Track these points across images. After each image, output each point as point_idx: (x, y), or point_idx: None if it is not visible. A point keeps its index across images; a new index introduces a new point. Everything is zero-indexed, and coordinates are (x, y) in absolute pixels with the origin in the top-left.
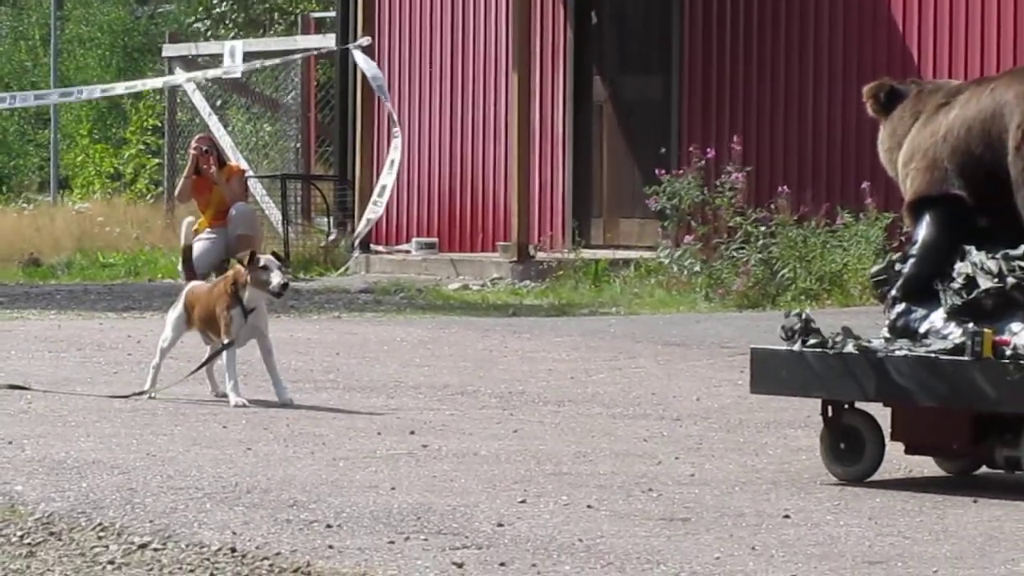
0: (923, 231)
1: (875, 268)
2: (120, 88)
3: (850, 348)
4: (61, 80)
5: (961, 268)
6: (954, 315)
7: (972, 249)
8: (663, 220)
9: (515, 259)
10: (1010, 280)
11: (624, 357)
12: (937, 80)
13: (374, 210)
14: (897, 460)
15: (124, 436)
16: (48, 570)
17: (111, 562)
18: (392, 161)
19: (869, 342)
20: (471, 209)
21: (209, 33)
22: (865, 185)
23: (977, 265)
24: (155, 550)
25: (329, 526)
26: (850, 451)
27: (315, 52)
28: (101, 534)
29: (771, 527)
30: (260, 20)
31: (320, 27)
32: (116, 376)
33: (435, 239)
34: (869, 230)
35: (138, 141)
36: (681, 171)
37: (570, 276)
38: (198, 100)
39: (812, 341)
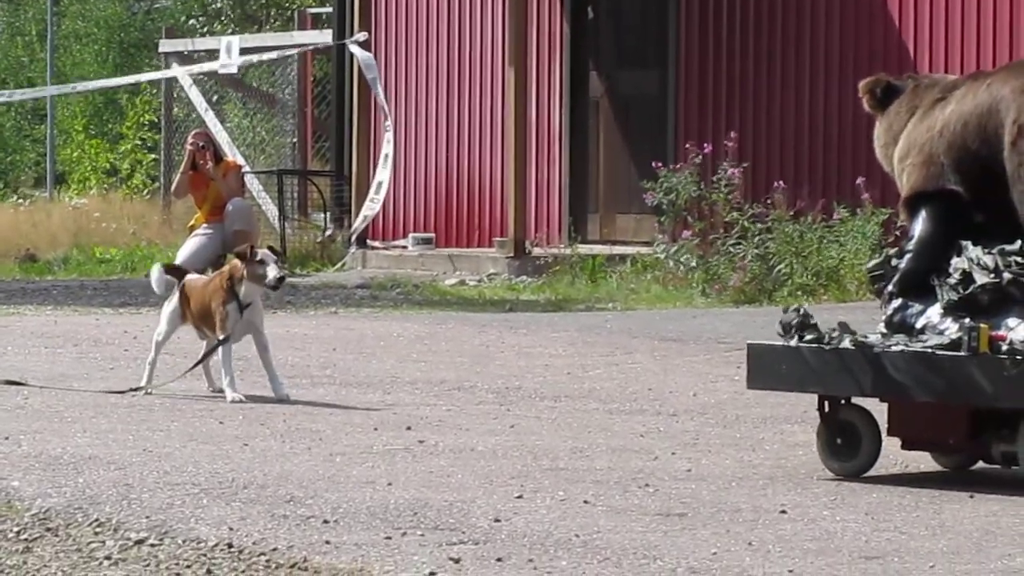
0: (919, 226)
1: (872, 263)
2: (115, 79)
3: (847, 343)
4: (57, 76)
5: (957, 263)
6: (950, 310)
7: (968, 244)
8: (660, 215)
9: (511, 255)
10: (1006, 275)
11: (621, 353)
12: (933, 75)
13: (371, 207)
14: (894, 455)
15: (120, 432)
16: (44, 566)
17: (108, 558)
18: (386, 156)
19: (866, 337)
20: (468, 205)
21: (205, 29)
22: (861, 181)
23: (973, 260)
24: (152, 546)
25: (326, 521)
26: (847, 446)
27: (311, 47)
28: (98, 530)
29: (768, 522)
30: (256, 16)
31: (317, 23)
32: (112, 372)
33: (432, 235)
34: (865, 225)
35: (134, 137)
36: (678, 166)
37: (566, 272)
38: (194, 96)
39: (809, 336)
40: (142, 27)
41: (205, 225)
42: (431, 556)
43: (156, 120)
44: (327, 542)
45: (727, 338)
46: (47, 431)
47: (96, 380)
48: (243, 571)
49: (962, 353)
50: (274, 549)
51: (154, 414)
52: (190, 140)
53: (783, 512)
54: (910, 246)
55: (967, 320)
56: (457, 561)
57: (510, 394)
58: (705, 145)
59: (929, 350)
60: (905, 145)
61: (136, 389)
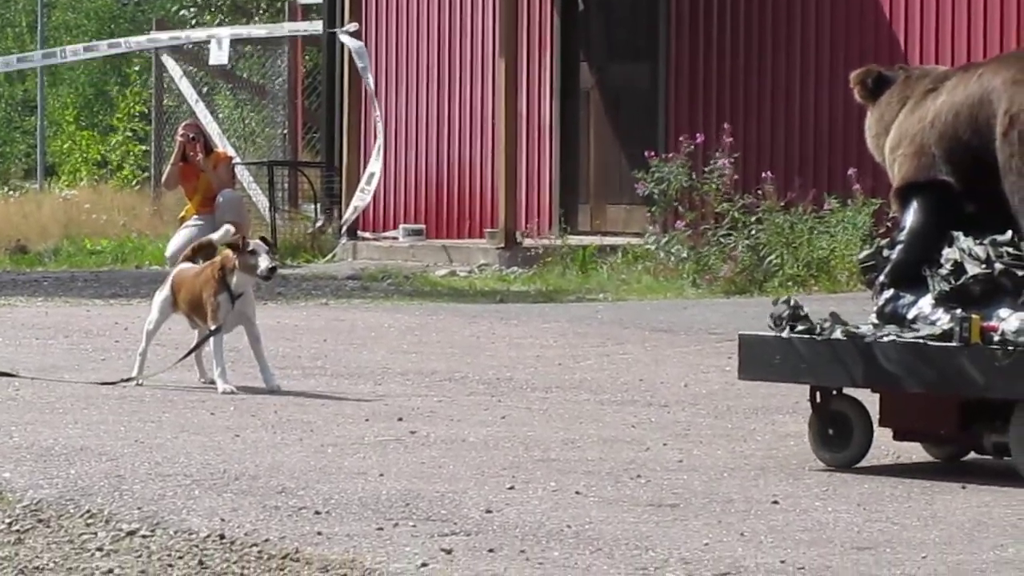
0: (911, 217)
1: (863, 254)
2: (103, 46)
3: (838, 334)
4: (48, 68)
5: (949, 254)
6: (942, 301)
7: (960, 235)
8: (651, 205)
9: (502, 246)
10: (998, 266)
11: (612, 343)
12: (924, 66)
13: (362, 197)
14: (885, 446)
15: (112, 423)
16: (36, 557)
17: (100, 549)
18: (378, 147)
19: (857, 328)
20: (458, 196)
21: (195, 20)
22: (852, 172)
23: (965, 251)
24: (144, 537)
25: (318, 512)
26: (838, 437)
27: (301, 34)
28: (89, 521)
29: (760, 513)
30: (246, 7)
31: (307, 13)
32: (104, 363)
33: (422, 226)
34: (856, 216)
35: (125, 128)
36: (670, 156)
37: (557, 263)
38: (185, 87)
39: (800, 327)
40: (132, 18)
41: (196, 216)
42: (423, 547)
43: (146, 111)
44: (319, 533)
45: (718, 329)
46: (38, 422)
47: (87, 371)
48: (235, 562)
49: (954, 344)
50: (266, 540)
51: (145, 405)
52: (180, 131)
53: (775, 503)
54: (901, 237)
55: (958, 311)
56: (449, 552)
57: (501, 385)
58: (697, 135)
59: (921, 340)
60: (896, 135)
61: (128, 380)
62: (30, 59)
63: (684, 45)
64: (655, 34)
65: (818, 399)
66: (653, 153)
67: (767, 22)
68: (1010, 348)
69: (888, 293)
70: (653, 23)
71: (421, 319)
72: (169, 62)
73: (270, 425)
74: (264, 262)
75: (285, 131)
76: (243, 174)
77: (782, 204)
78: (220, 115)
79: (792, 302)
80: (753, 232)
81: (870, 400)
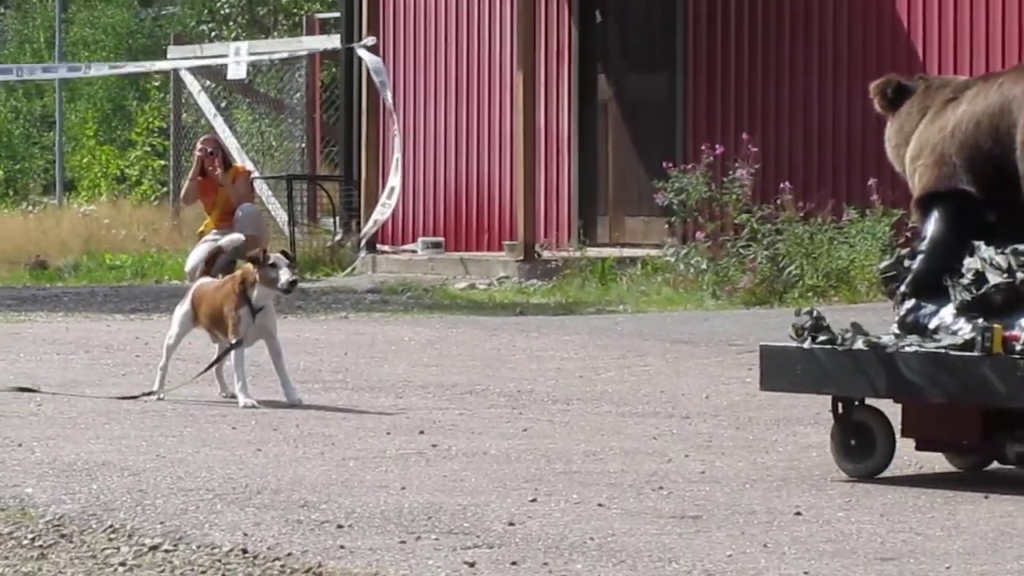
0: (931, 227)
1: (884, 264)
2: (130, 67)
3: (860, 344)
4: (66, 83)
5: (970, 264)
6: (963, 311)
7: (981, 244)
8: (670, 216)
9: (521, 258)
10: (1019, 275)
11: (632, 355)
12: (944, 76)
13: (382, 211)
14: (908, 456)
15: (134, 438)
16: (59, 572)
17: (122, 564)
18: (397, 160)
19: (879, 338)
20: (477, 208)
21: (214, 35)
22: (871, 182)
23: (986, 260)
24: (166, 552)
25: (340, 526)
26: (861, 448)
27: (319, 51)
28: (112, 536)
29: (782, 524)
30: (264, 22)
31: (325, 28)
32: (124, 378)
33: (441, 238)
34: (875, 226)
35: (144, 143)
36: (691, 167)
37: (576, 275)
38: (203, 102)
39: (822, 338)
40: (150, 33)
41: (215, 231)
42: (446, 560)
43: (165, 126)
44: (342, 547)
45: (738, 340)
46: (60, 437)
47: (108, 386)
48: None
49: (976, 353)
50: (289, 554)
51: (167, 420)
52: (199, 146)
53: (798, 514)
54: (922, 247)
55: (980, 320)
56: (472, 565)
57: (522, 397)
58: (717, 147)
59: (943, 350)
60: (917, 145)
61: (148, 394)
62: (54, 69)
63: (702, 56)
64: (672, 45)
65: (840, 410)
66: (671, 164)
67: (785, 32)
68: None
69: (909, 303)
70: (670, 34)
71: (441, 332)
72: (187, 77)
73: (292, 439)
74: (285, 275)
75: (303, 145)
76: (262, 188)
77: (801, 215)
78: (238, 129)
79: (814, 313)
80: (772, 243)
81: (892, 411)
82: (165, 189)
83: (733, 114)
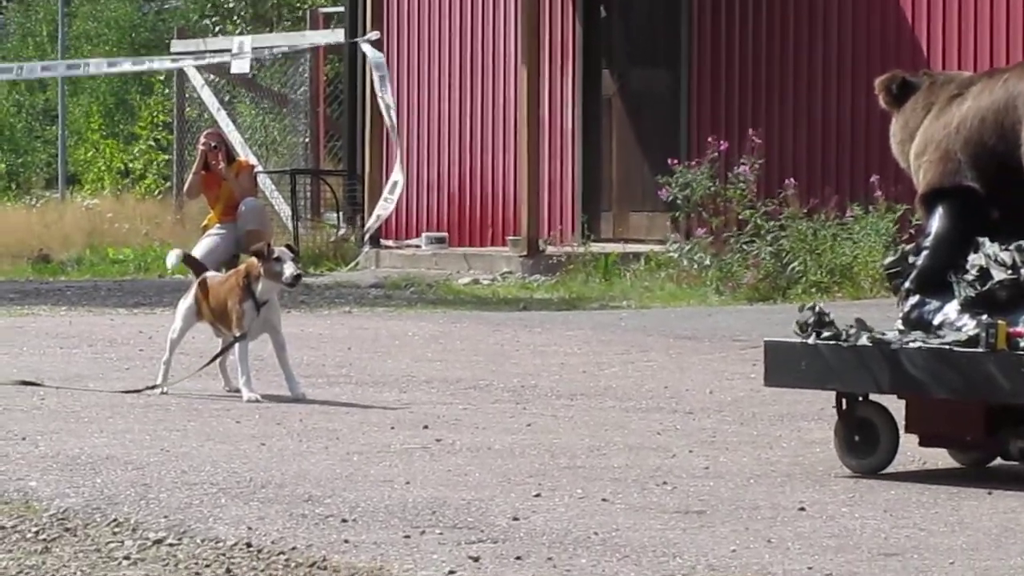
0: (936, 223)
1: (888, 260)
2: (127, 64)
3: (864, 340)
4: (69, 77)
5: (975, 260)
6: (968, 307)
7: (986, 241)
8: (674, 212)
9: (525, 253)
10: None
11: (636, 351)
12: (949, 71)
13: (384, 206)
14: (912, 452)
15: (137, 432)
16: (64, 566)
17: (126, 558)
18: (399, 155)
19: (883, 334)
20: (480, 203)
21: (217, 29)
22: (875, 178)
23: (991, 257)
24: (170, 545)
25: (344, 520)
26: (864, 443)
27: (323, 46)
28: (116, 530)
29: (786, 519)
30: (268, 16)
31: (329, 22)
32: (128, 372)
33: (445, 234)
34: (879, 223)
35: (148, 137)
36: (695, 163)
37: (580, 270)
38: (207, 96)
39: (826, 334)
40: (153, 27)
41: (218, 225)
42: (450, 555)
43: (168, 120)
44: (346, 541)
45: (742, 336)
46: (64, 431)
47: (112, 380)
48: (262, 570)
49: (980, 349)
50: (293, 548)
51: (171, 414)
52: (202, 140)
53: (802, 509)
54: (927, 243)
55: (984, 316)
56: (476, 560)
57: (526, 392)
58: (721, 142)
59: (947, 347)
60: (921, 141)
61: (152, 388)
62: (53, 68)
63: (706, 51)
64: (677, 40)
65: (844, 406)
66: (676, 161)
67: (789, 28)
68: None
69: (914, 299)
70: (675, 29)
71: (445, 327)
72: (191, 71)
73: (296, 433)
74: (289, 269)
75: (307, 140)
76: (265, 183)
77: (805, 211)
78: (242, 124)
79: (817, 308)
80: (776, 239)
81: (896, 406)
82: (168, 183)
83: (737, 110)
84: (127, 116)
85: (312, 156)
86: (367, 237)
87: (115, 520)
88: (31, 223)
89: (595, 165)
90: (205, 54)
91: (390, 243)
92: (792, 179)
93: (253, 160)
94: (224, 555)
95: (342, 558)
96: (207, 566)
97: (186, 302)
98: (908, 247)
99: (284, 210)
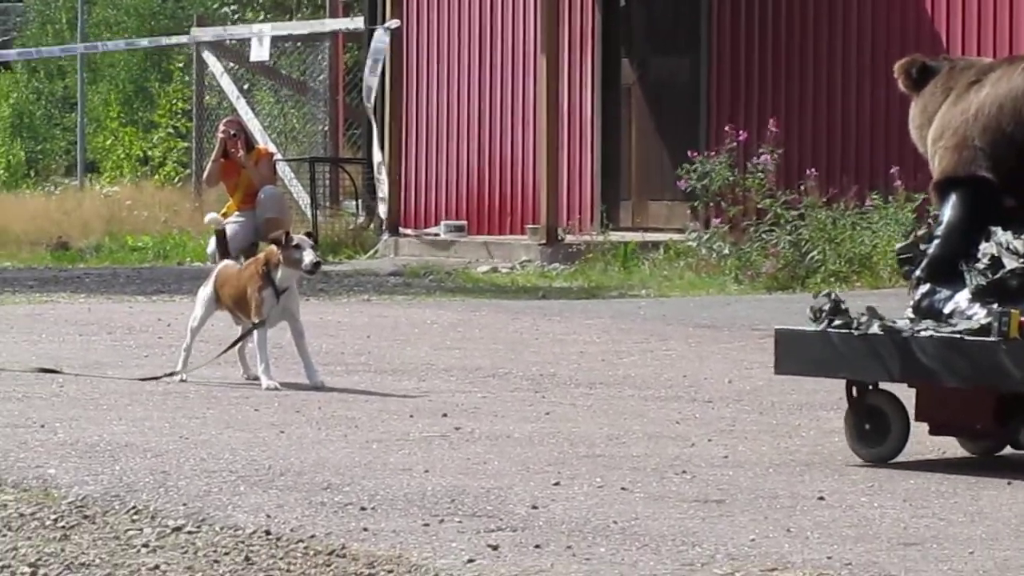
0: (949, 211)
1: (899, 245)
2: (144, 42)
3: (875, 329)
4: (88, 64)
5: (986, 248)
6: (979, 295)
7: (998, 229)
8: (693, 201)
9: (544, 242)
10: None
11: (655, 339)
12: (969, 57)
13: (380, 188)
14: (930, 442)
15: (156, 419)
16: (82, 553)
17: (145, 545)
18: (375, 137)
19: (894, 323)
20: (500, 192)
21: (237, 16)
22: (894, 169)
23: (1003, 245)
24: (189, 533)
25: (363, 509)
26: (875, 432)
27: (342, 33)
28: (135, 517)
29: (806, 509)
30: (287, 3)
31: (348, 10)
32: (147, 359)
33: (464, 222)
34: (898, 212)
35: (167, 125)
36: (714, 152)
37: (599, 259)
38: (226, 83)
39: (838, 322)
40: (172, 15)
41: (237, 213)
42: (469, 543)
43: (188, 108)
44: (365, 529)
45: (761, 325)
46: (83, 419)
47: (131, 367)
48: (281, 558)
49: (992, 338)
50: (312, 536)
51: (190, 401)
52: (221, 128)
53: (821, 498)
54: (939, 231)
55: (996, 305)
56: (495, 548)
57: (545, 381)
58: (740, 132)
59: (958, 335)
60: (939, 127)
61: (171, 374)
62: (72, 49)
63: (726, 39)
64: (696, 28)
65: (855, 394)
66: (696, 153)
67: (809, 17)
68: None
69: (925, 288)
70: (695, 17)
71: (464, 315)
72: (210, 59)
73: (314, 421)
74: (308, 256)
75: (326, 127)
76: (284, 170)
77: (824, 200)
78: (261, 112)
79: (832, 296)
80: (795, 228)
81: (906, 395)
82: (188, 171)
83: (757, 99)
84: (146, 104)
85: (331, 144)
86: (385, 224)
87: (134, 508)
88: (50, 210)
89: (614, 154)
90: (225, 41)
91: (409, 231)
92: (812, 169)
93: (272, 148)
94: (243, 543)
95: (361, 546)
96: (226, 554)
97: (206, 290)
98: (920, 233)
99: (303, 198)
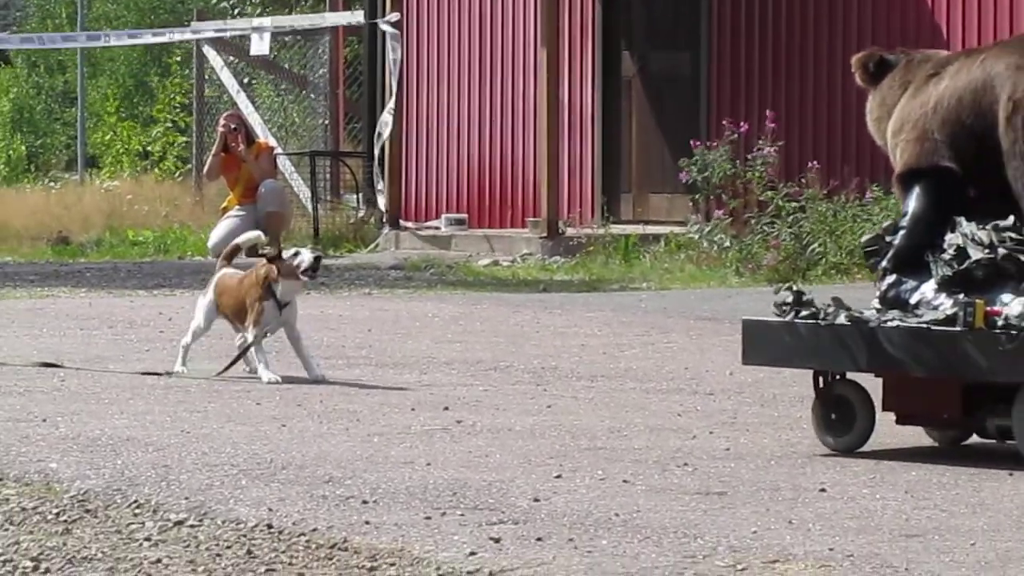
0: (913, 203)
1: (866, 237)
2: (148, 36)
3: (842, 319)
4: (88, 59)
5: (952, 239)
6: (945, 286)
7: (963, 220)
8: (694, 193)
9: (545, 235)
10: (1000, 251)
11: (656, 332)
12: (926, 50)
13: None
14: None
15: (158, 413)
16: (84, 547)
17: (148, 539)
18: (384, 122)
19: (861, 313)
20: (500, 185)
21: (236, 11)
22: None
23: (968, 236)
24: (191, 527)
25: (365, 502)
26: (840, 421)
27: (342, 26)
28: (137, 511)
29: (807, 500)
30: None
31: (348, 4)
32: (148, 353)
33: (464, 215)
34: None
35: (166, 119)
36: (715, 144)
37: (600, 252)
38: (226, 77)
39: (804, 312)
40: (172, 9)
41: (238, 207)
42: (471, 536)
43: (187, 102)
44: (367, 522)
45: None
46: (84, 413)
47: (132, 362)
48: (283, 551)
49: (957, 328)
50: (314, 529)
51: (191, 395)
52: (222, 122)
53: (823, 490)
54: (904, 222)
55: (961, 296)
56: (497, 540)
57: (546, 374)
58: (742, 124)
59: (925, 325)
60: (898, 120)
61: (169, 373)
62: (74, 39)
63: (726, 32)
64: (697, 21)
65: (821, 384)
66: (698, 143)
67: (809, 9)
68: (1014, 332)
69: (891, 278)
70: (695, 10)
71: (465, 308)
72: (210, 53)
73: (316, 415)
74: (306, 256)
75: (327, 121)
76: (285, 164)
77: (825, 192)
78: (261, 105)
79: (794, 288)
80: (796, 220)
81: (873, 385)
82: (188, 165)
83: (757, 91)
84: (146, 98)
85: (332, 138)
86: (386, 216)
87: (136, 502)
88: (50, 205)
89: (615, 147)
90: (224, 28)
91: (410, 225)
92: (813, 161)
93: (273, 142)
94: (245, 536)
95: (363, 539)
96: (228, 547)
97: (206, 299)
98: (886, 225)
99: (304, 192)
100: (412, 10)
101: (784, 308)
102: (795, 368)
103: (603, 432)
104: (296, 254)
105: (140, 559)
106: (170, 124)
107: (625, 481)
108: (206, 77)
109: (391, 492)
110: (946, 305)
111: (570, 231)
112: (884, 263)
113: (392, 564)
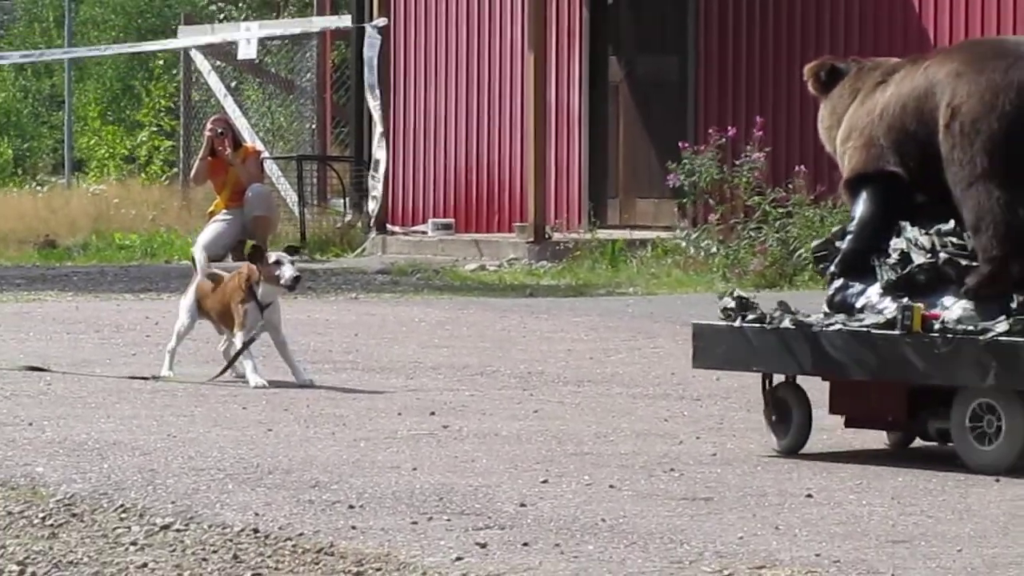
0: (860, 208)
1: (816, 242)
2: (146, 46)
3: (787, 323)
4: (75, 62)
5: (896, 244)
6: (889, 290)
7: (907, 225)
8: (681, 198)
9: (532, 240)
10: (942, 255)
11: (643, 337)
12: (876, 59)
13: (374, 186)
14: (918, 439)
15: (144, 417)
16: (71, 551)
17: (134, 543)
18: (379, 134)
19: (806, 317)
20: (487, 190)
21: (223, 15)
22: None
23: (911, 241)
24: (178, 531)
25: (351, 506)
26: (780, 423)
27: (330, 30)
28: (123, 515)
29: (794, 506)
30: (275, 1)
31: (336, 8)
32: (135, 357)
33: (451, 220)
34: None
35: (151, 123)
36: (702, 148)
37: (587, 257)
38: (213, 81)
39: (751, 316)
40: (159, 13)
41: (225, 211)
42: (457, 541)
43: (172, 106)
44: (353, 527)
45: None
46: (71, 417)
47: (119, 366)
48: (269, 556)
49: (896, 332)
50: (300, 534)
51: (177, 399)
52: (209, 126)
53: (809, 496)
54: (851, 227)
55: (905, 299)
56: (484, 546)
57: (533, 379)
58: (729, 129)
59: (865, 329)
60: (847, 127)
61: (156, 377)
62: (73, 52)
63: (713, 37)
64: (684, 27)
65: (767, 387)
66: (686, 144)
67: (796, 14)
68: (950, 336)
69: (838, 283)
70: (682, 15)
71: (452, 313)
72: (197, 57)
73: (303, 419)
74: (287, 272)
75: (314, 125)
76: (272, 168)
77: (812, 198)
78: (248, 110)
79: (735, 293)
80: (783, 226)
81: (819, 388)
82: (175, 169)
83: (744, 97)
84: (133, 102)
85: (319, 142)
86: (373, 222)
87: (122, 506)
88: (37, 208)
89: (602, 151)
90: (208, 31)
91: (397, 229)
92: (800, 166)
93: (260, 146)
94: (231, 541)
95: (349, 544)
96: (214, 552)
97: (187, 300)
98: (835, 230)
99: (291, 196)
100: (400, 14)
101: (729, 313)
102: (743, 371)
103: (589, 437)
104: (278, 263)
105: (126, 563)
106: (156, 128)
107: (611, 486)
108: (193, 81)
109: (377, 497)
110: (889, 309)
111: (557, 236)
112: (832, 267)
113: (378, 569)
